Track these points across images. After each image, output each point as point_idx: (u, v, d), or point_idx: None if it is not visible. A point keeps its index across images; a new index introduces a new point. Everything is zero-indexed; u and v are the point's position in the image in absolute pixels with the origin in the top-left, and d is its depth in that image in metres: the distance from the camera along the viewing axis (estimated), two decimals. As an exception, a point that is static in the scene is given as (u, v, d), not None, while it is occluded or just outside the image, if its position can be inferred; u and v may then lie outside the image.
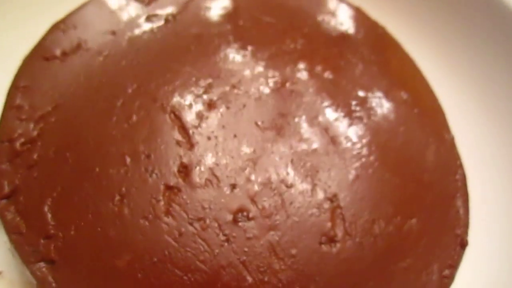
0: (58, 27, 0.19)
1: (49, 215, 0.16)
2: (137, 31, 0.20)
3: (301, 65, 0.21)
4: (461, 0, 0.24)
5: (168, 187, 0.17)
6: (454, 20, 0.24)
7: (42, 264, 0.16)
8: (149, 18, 0.20)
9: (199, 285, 0.16)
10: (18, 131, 0.17)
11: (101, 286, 0.16)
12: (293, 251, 0.17)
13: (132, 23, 0.20)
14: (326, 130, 0.19)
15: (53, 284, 0.15)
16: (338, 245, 0.17)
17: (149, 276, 0.16)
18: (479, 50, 0.23)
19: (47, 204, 0.16)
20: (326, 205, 0.18)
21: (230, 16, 0.21)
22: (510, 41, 0.22)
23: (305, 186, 0.18)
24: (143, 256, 0.16)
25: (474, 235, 0.19)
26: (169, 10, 0.20)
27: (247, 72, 0.20)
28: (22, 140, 0.17)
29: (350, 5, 0.23)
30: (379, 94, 0.21)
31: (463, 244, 0.18)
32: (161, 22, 0.20)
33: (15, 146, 0.17)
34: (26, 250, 0.16)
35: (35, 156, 0.17)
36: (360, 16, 0.23)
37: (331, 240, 0.17)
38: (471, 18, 0.23)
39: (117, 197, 0.16)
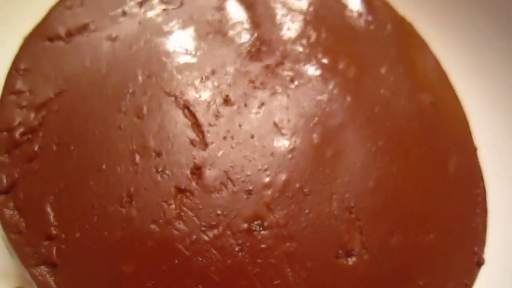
0: (63, 4, 0.18)
1: (52, 214, 0.15)
2: (150, 13, 0.18)
3: (325, 60, 0.19)
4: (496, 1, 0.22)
5: (180, 190, 0.16)
6: (488, 20, 0.22)
7: (43, 267, 0.15)
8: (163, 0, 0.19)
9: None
10: (17, 120, 0.16)
11: (106, 293, 0.15)
12: (309, 264, 0.16)
13: (145, 3, 0.18)
14: (345, 134, 0.18)
15: (55, 289, 0.15)
16: (354, 259, 0.16)
17: (157, 285, 0.15)
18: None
19: (49, 201, 0.15)
20: (344, 216, 0.17)
21: (248, 3, 0.20)
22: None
23: (323, 194, 0.17)
24: (152, 264, 0.15)
25: (491, 252, 0.18)
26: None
27: (266, 66, 0.19)
28: (22, 129, 0.16)
29: None
30: (403, 97, 0.20)
31: (480, 263, 0.18)
32: (177, 5, 0.19)
33: (15, 136, 0.16)
34: (26, 252, 0.15)
35: (36, 148, 0.16)
36: (387, 10, 0.21)
37: (348, 253, 0.16)
38: (508, 20, 0.22)
39: (125, 198, 0.15)
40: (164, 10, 0.19)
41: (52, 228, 0.15)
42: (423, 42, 0.22)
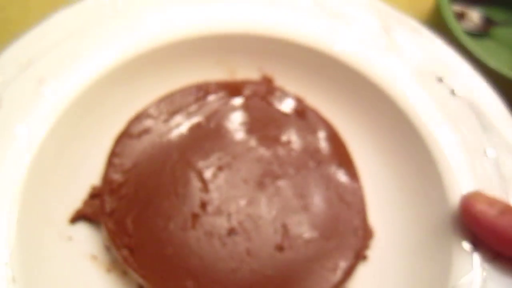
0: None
1: (131, 225, 0.30)
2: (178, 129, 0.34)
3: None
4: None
5: (194, 214, 0.31)
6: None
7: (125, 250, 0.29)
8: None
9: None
10: (115, 178, 0.32)
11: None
12: (259, 254, 0.30)
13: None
14: (289, 190, 0.33)
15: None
16: (285, 252, 0.31)
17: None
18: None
19: (130, 219, 0.30)
20: (280, 230, 0.31)
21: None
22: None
23: (269, 217, 0.32)
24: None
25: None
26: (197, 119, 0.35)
27: (243, 147, 0.34)
28: (117, 183, 0.32)
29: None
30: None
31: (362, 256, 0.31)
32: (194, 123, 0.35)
33: (113, 186, 0.32)
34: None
35: (123, 193, 0.31)
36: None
37: (281, 248, 0.31)
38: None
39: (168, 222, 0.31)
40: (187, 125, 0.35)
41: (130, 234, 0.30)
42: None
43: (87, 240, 0.32)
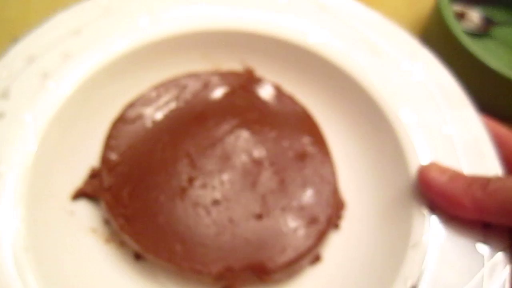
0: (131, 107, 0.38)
1: (127, 198, 0.34)
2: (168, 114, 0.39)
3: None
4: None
5: (182, 188, 0.35)
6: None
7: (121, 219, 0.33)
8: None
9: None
10: (112, 158, 0.36)
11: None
12: (240, 221, 0.34)
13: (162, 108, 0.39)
14: (268, 166, 0.37)
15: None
16: (263, 219, 0.34)
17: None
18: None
19: (126, 192, 0.34)
20: (259, 200, 0.35)
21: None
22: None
23: (249, 190, 0.35)
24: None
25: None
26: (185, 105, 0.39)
27: (226, 130, 0.38)
28: (114, 163, 0.36)
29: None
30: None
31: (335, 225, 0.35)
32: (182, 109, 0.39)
33: (110, 165, 0.35)
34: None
35: (119, 170, 0.35)
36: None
37: (260, 216, 0.34)
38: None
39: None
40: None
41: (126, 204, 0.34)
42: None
43: (87, 214, 0.36)
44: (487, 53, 0.40)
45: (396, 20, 0.44)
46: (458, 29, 0.41)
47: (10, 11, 0.48)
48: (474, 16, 0.48)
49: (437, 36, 0.45)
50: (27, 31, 0.38)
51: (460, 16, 0.48)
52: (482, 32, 0.48)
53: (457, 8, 0.49)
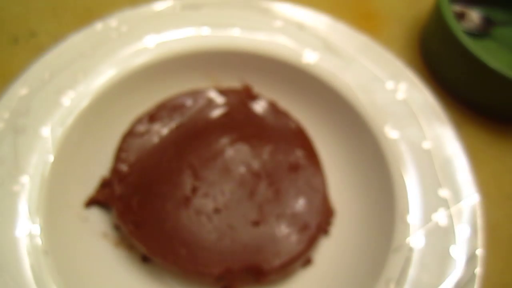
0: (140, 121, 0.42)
1: (136, 206, 0.37)
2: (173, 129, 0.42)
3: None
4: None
5: (186, 197, 0.38)
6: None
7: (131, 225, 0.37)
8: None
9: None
10: (122, 169, 0.39)
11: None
12: (239, 227, 0.38)
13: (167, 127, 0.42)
14: (265, 177, 0.40)
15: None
16: (260, 226, 0.38)
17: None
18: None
19: (135, 200, 0.38)
20: (256, 209, 0.39)
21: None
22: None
23: (248, 199, 0.39)
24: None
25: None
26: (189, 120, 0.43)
27: (226, 143, 0.42)
28: (124, 173, 0.39)
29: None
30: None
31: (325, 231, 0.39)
32: (186, 124, 0.43)
33: (121, 176, 0.39)
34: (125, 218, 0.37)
35: (129, 181, 0.39)
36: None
37: (257, 223, 0.38)
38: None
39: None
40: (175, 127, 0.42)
41: (135, 211, 0.37)
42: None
43: (99, 220, 0.39)
44: (487, 53, 0.39)
45: (396, 20, 0.44)
46: (458, 29, 0.40)
47: (10, 11, 0.47)
48: (474, 16, 0.47)
49: (437, 36, 0.45)
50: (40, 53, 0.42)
51: (460, 16, 0.47)
52: (482, 32, 0.47)
53: (457, 8, 0.48)
